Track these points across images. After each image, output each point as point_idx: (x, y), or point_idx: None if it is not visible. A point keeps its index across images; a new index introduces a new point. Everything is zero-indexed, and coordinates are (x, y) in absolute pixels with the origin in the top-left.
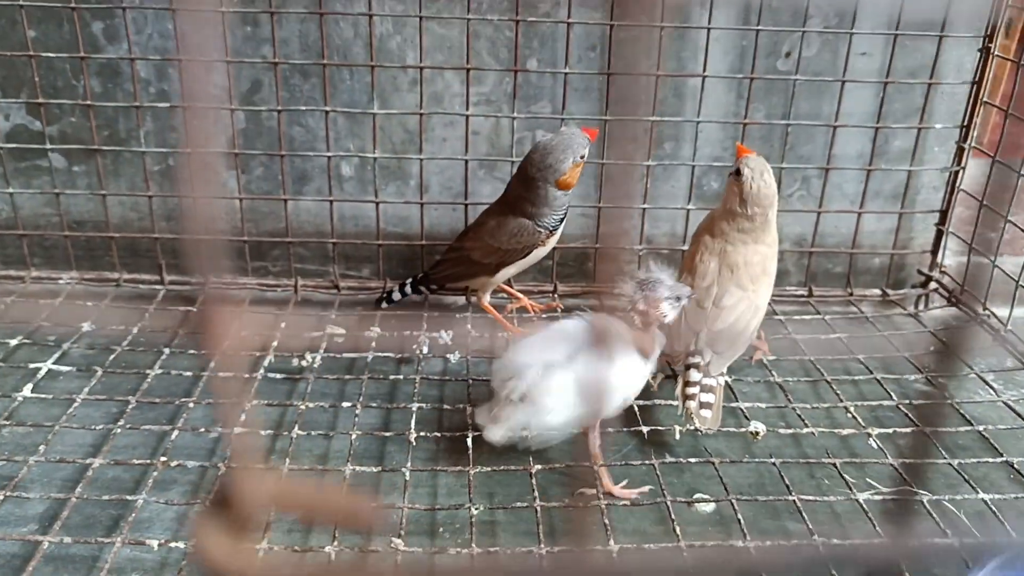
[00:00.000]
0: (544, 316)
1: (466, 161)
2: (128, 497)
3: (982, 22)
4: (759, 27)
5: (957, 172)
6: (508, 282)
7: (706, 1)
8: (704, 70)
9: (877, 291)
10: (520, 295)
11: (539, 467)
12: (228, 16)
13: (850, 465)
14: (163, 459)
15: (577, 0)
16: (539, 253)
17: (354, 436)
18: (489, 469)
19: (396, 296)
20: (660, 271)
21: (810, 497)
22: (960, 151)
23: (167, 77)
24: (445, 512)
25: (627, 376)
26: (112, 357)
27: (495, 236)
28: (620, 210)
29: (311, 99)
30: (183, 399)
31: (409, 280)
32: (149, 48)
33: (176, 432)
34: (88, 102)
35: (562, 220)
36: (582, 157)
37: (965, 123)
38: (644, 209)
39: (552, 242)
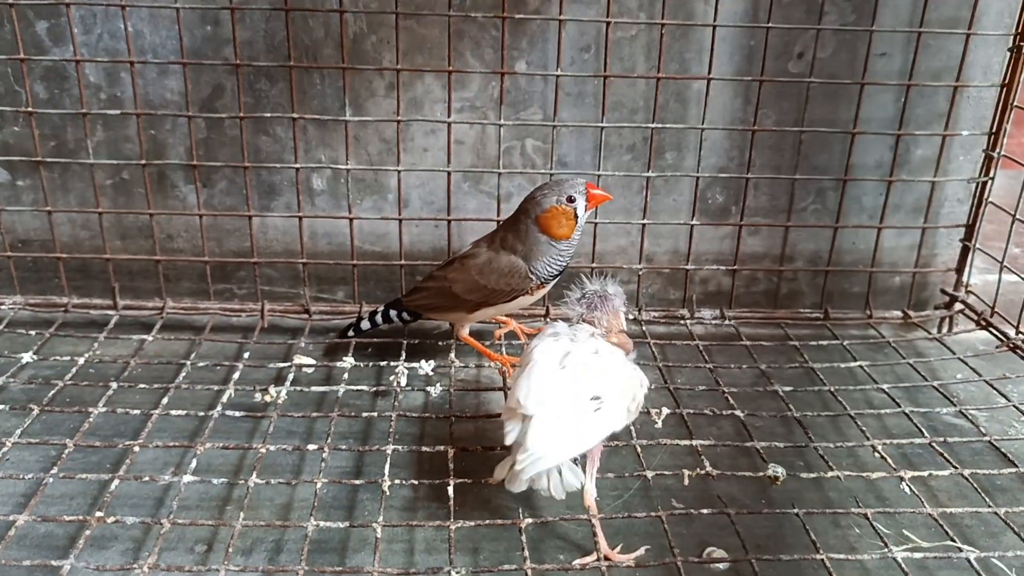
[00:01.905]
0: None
1: (449, 173)
2: (54, 562)
3: (1012, 18)
4: (769, 24)
5: (985, 183)
6: None
7: None
8: (709, 72)
9: (898, 312)
10: (508, 319)
11: (530, 520)
12: (185, 14)
13: (882, 515)
14: (99, 514)
15: None
16: (524, 301)
17: (320, 484)
18: (473, 523)
19: (365, 325)
20: (598, 282)
21: (839, 556)
22: (988, 160)
23: (119, 82)
24: None
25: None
26: (53, 393)
27: (484, 273)
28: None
29: (278, 105)
30: (129, 441)
31: (381, 308)
32: (99, 50)
33: (117, 481)
34: (31, 109)
35: (557, 275)
36: (569, 200)
37: (993, 130)
38: (644, 225)
39: (541, 293)
